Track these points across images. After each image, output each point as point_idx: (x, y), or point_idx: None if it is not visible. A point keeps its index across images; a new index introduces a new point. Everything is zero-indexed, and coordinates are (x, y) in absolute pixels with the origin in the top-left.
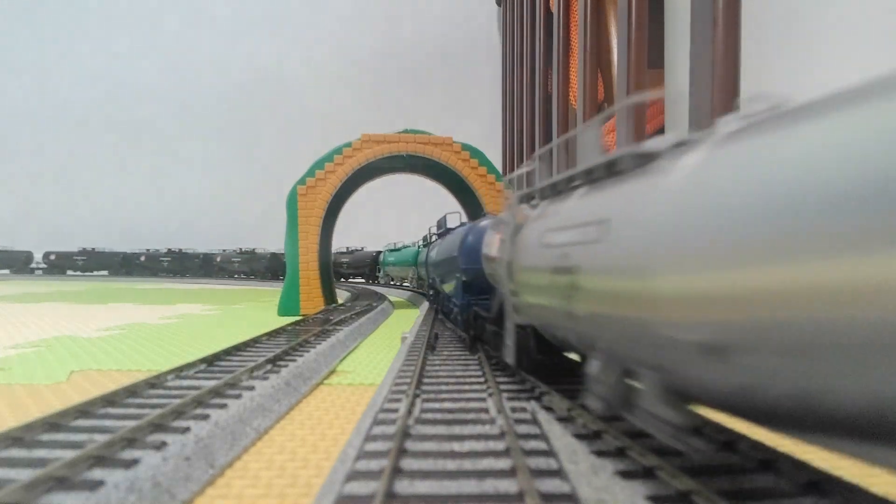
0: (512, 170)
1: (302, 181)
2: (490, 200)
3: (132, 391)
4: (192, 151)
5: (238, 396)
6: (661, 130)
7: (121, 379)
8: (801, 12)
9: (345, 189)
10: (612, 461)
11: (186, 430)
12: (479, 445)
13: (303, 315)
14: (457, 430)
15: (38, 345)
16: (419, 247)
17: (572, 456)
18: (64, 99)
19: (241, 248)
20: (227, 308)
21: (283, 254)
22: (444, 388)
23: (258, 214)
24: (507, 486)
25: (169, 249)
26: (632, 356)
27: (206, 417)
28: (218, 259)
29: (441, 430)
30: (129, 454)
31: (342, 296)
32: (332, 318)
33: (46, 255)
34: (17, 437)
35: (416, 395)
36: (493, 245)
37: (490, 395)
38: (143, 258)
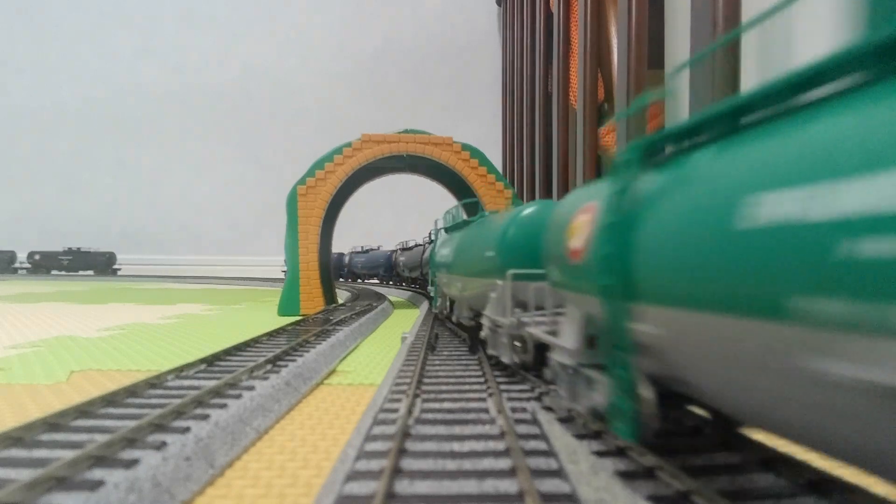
0: (512, 169)
1: (302, 181)
2: (490, 200)
3: (132, 391)
4: (192, 151)
5: (238, 396)
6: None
7: (121, 379)
8: (800, 12)
9: (345, 189)
10: (613, 461)
11: (187, 430)
12: (479, 445)
13: (303, 315)
14: (457, 430)
15: (38, 345)
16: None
17: (572, 456)
18: (64, 99)
19: (69, 248)
20: (227, 308)
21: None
22: (444, 388)
23: (258, 214)
24: (508, 486)
25: None
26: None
27: (206, 417)
28: (37, 257)
29: (441, 430)
30: (129, 454)
31: (342, 296)
32: (332, 318)
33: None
34: (17, 438)
35: (416, 395)
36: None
37: (490, 395)
38: None
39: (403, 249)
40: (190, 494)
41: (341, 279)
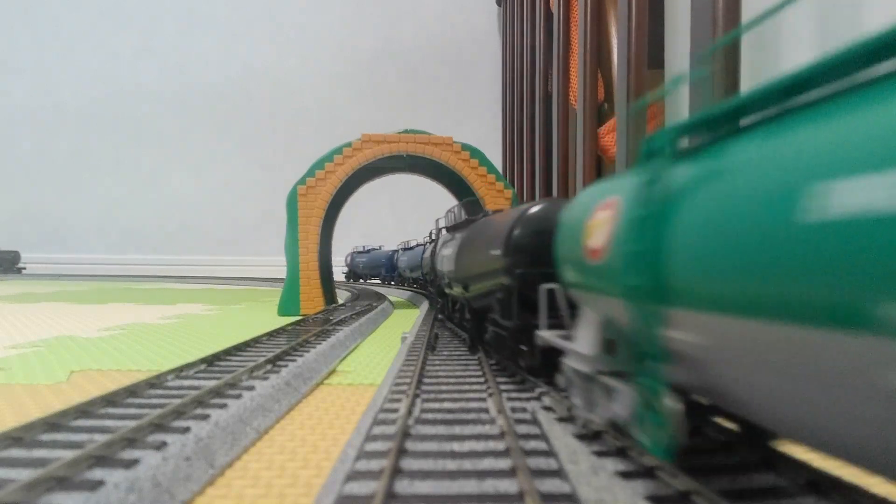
0: (512, 169)
1: (302, 181)
2: (490, 200)
3: (132, 391)
4: (192, 151)
5: (238, 396)
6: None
7: (121, 379)
8: (800, 12)
9: (345, 189)
10: (613, 461)
11: (187, 430)
12: (479, 445)
13: (303, 315)
14: (457, 430)
15: (38, 345)
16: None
17: (572, 456)
18: (64, 99)
19: None
20: (228, 308)
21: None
22: (444, 388)
23: (258, 214)
24: (508, 486)
25: None
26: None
27: (206, 417)
28: None
29: (441, 430)
30: (129, 454)
31: (342, 296)
32: (332, 318)
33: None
34: (17, 438)
35: (416, 395)
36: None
37: (490, 395)
38: None
39: (431, 242)
40: (190, 494)
41: (392, 283)
